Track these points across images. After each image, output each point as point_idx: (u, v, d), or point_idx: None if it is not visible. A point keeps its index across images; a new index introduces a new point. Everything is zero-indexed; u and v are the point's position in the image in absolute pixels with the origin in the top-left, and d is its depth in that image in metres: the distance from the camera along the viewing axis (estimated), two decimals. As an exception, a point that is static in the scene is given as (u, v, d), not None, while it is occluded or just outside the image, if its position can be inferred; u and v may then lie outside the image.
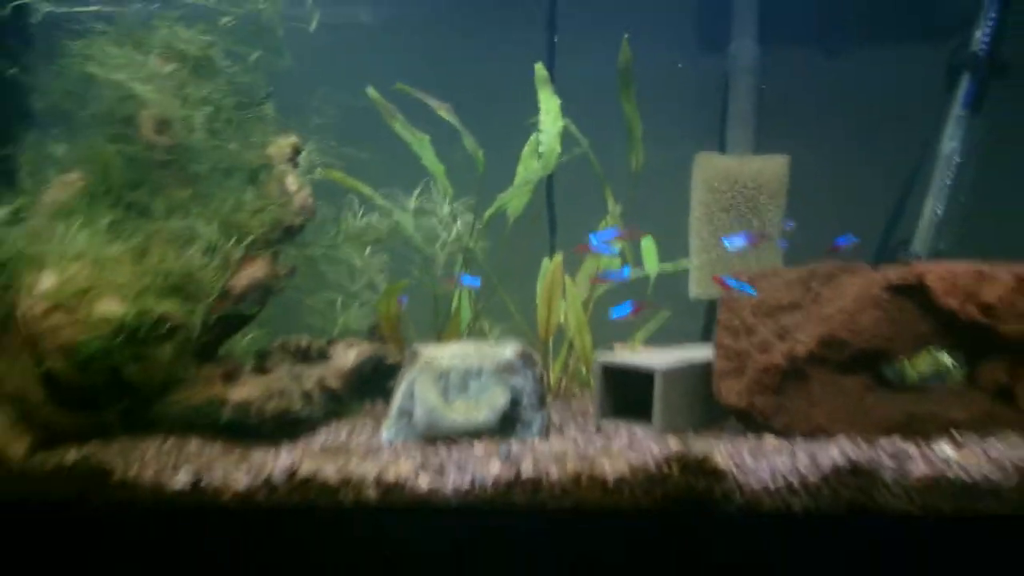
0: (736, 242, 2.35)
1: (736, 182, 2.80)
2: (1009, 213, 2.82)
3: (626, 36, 2.56)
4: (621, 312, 2.35)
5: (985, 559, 1.96)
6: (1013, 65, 2.74)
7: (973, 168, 2.76)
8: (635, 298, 2.68)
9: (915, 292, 2.26)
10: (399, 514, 1.98)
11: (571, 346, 2.69)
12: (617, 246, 2.66)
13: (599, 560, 2.01)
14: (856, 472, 1.99)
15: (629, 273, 2.67)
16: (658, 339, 2.82)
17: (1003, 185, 2.78)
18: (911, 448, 2.12)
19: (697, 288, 2.85)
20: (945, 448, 2.12)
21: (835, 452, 2.09)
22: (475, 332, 2.81)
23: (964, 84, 2.77)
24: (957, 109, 2.78)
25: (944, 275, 2.22)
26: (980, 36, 2.74)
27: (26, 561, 2.04)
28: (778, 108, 2.91)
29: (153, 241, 2.23)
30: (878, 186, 2.89)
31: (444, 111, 2.58)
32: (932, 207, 2.77)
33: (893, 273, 2.28)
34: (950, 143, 2.78)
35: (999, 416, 2.25)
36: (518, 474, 2.01)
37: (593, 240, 2.39)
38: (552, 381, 2.71)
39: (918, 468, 2.01)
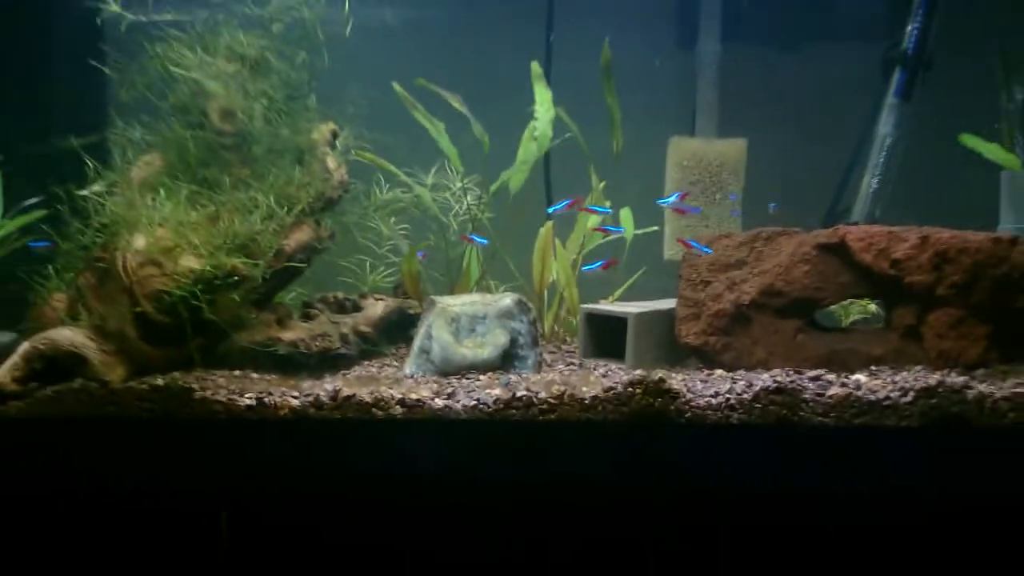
0: (669, 200, 2.80)
1: (702, 161, 3.22)
2: (932, 184, 3.23)
3: (607, 39, 2.98)
4: (592, 267, 2.82)
5: (884, 460, 2.40)
6: (937, 60, 3.16)
7: (903, 148, 3.18)
8: (617, 259, 3.15)
9: (838, 250, 2.69)
10: (419, 424, 2.45)
11: (562, 299, 3.14)
12: (608, 208, 3.11)
13: (578, 460, 2.47)
14: (781, 392, 2.44)
15: (623, 230, 3.11)
16: (639, 294, 3.25)
17: (927, 161, 3.20)
18: (831, 376, 2.58)
19: (669, 251, 3.28)
20: (858, 376, 2.57)
21: (767, 378, 2.55)
22: (483, 288, 3.26)
23: (896, 76, 3.15)
24: (890, 98, 3.15)
25: (861, 236, 2.65)
26: (909, 35, 3.13)
27: (121, 465, 2.51)
28: (740, 97, 3.33)
29: (222, 210, 2.67)
30: (826, 163, 3.28)
31: (456, 102, 3.01)
32: (869, 181, 3.18)
33: (821, 235, 2.70)
34: (884, 127, 3.16)
35: (908, 352, 2.67)
36: (514, 396, 2.48)
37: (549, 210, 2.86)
38: (546, 328, 3.16)
39: (833, 390, 2.47)
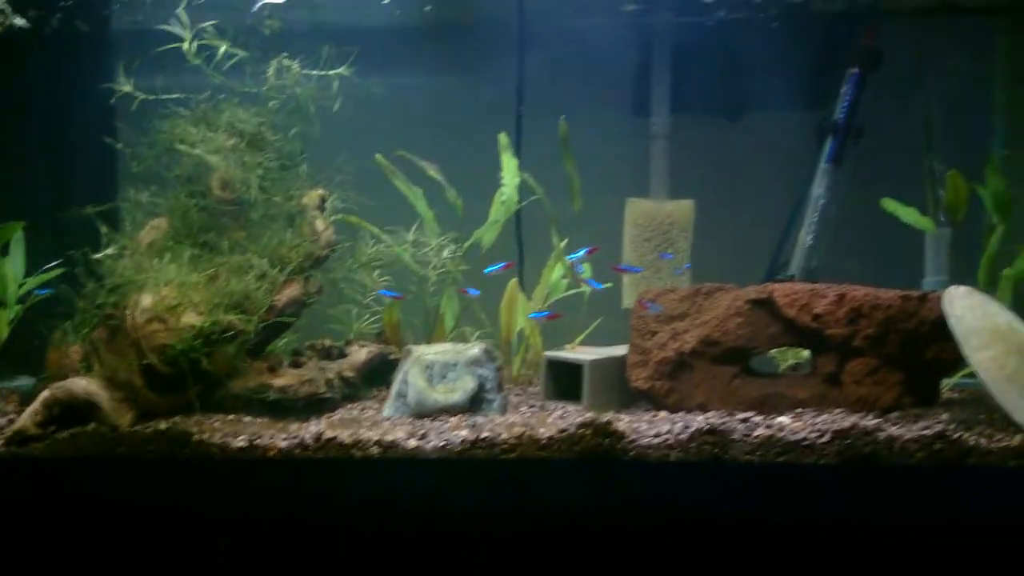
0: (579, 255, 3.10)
1: (655, 220, 3.46)
2: (859, 239, 3.46)
3: (562, 117, 3.25)
4: (492, 268, 3.11)
5: (801, 493, 2.61)
6: (865, 130, 3.39)
7: (835, 208, 3.41)
8: (578, 309, 3.39)
9: (768, 304, 2.90)
10: (394, 463, 2.67)
11: (528, 345, 3.37)
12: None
13: (535, 494, 2.68)
14: (713, 432, 2.65)
15: (599, 285, 3.35)
16: (601, 337, 3.47)
17: (855, 219, 3.44)
18: (758, 418, 2.79)
19: (627, 300, 3.51)
20: (782, 418, 2.79)
21: (702, 420, 2.76)
22: (459, 335, 3.49)
23: (828, 144, 3.38)
24: (823, 163, 3.38)
25: (787, 292, 2.87)
26: (840, 107, 3.36)
27: (130, 499, 2.71)
28: (690, 162, 3.58)
29: (220, 270, 2.90)
30: (767, 221, 3.54)
31: (432, 171, 3.26)
32: (804, 238, 3.41)
33: (753, 291, 2.93)
34: (818, 189, 3.38)
35: (830, 396, 2.88)
36: (479, 437, 2.70)
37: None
38: (514, 372, 3.39)
39: (759, 431, 2.68)
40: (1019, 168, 3.27)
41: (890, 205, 3.26)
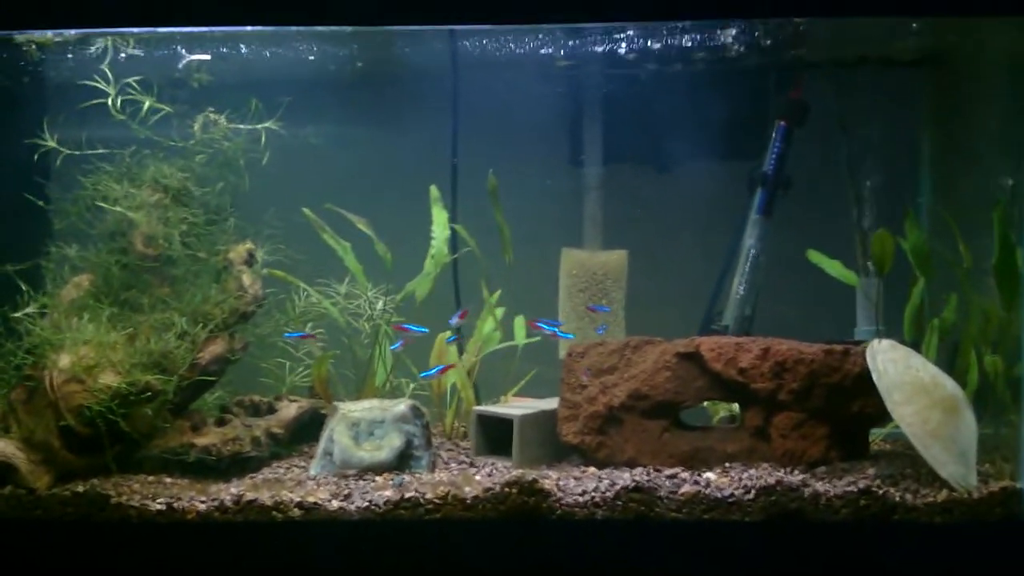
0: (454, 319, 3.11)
1: (588, 270, 3.44)
2: (795, 287, 3.48)
3: (491, 171, 3.23)
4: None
5: (727, 551, 2.57)
6: (793, 181, 3.41)
7: (765, 258, 3.40)
8: (514, 358, 3.36)
9: (695, 358, 2.89)
10: (316, 525, 2.60)
11: (460, 398, 3.32)
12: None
13: (460, 553, 2.63)
14: (639, 490, 2.61)
15: (559, 331, 3.32)
16: (538, 386, 3.43)
17: (791, 267, 3.44)
18: (685, 474, 2.75)
19: (563, 351, 3.47)
20: (708, 474, 2.75)
21: (628, 477, 2.72)
22: (393, 388, 3.44)
23: (758, 195, 3.38)
24: (753, 214, 3.39)
25: (713, 346, 2.85)
26: (769, 159, 3.37)
27: (45, 565, 2.64)
28: (624, 212, 3.57)
29: (141, 329, 2.84)
30: (701, 271, 3.53)
31: (362, 224, 3.22)
32: (737, 287, 3.40)
33: (680, 344, 2.91)
34: (749, 239, 3.38)
35: (758, 450, 2.86)
36: (403, 497, 2.63)
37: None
38: (447, 426, 3.34)
39: (685, 488, 2.64)
40: (944, 219, 3.29)
41: (815, 257, 3.27)
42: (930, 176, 3.45)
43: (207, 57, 3.09)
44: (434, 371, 3.20)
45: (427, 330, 3.21)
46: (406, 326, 3.13)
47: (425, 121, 3.57)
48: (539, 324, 3.07)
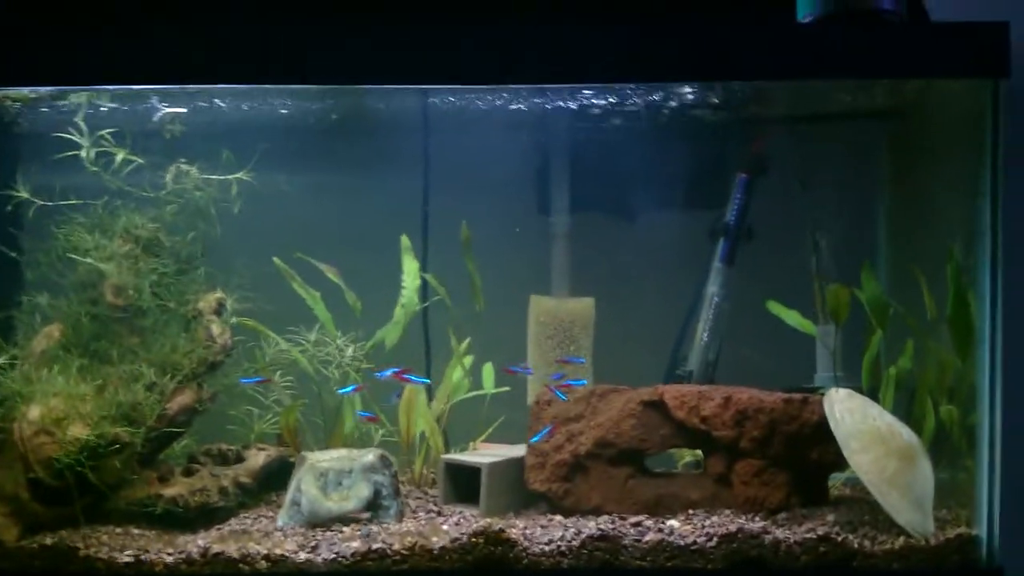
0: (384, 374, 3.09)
1: (556, 317, 3.49)
2: (759, 332, 3.54)
3: (464, 222, 3.30)
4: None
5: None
6: (754, 231, 3.48)
7: (728, 305, 3.46)
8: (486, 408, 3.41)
9: (659, 406, 2.94)
10: (283, 578, 2.62)
11: (429, 446, 3.35)
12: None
13: (426, 607, 2.65)
14: (604, 539, 2.65)
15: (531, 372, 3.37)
16: (511, 434, 3.46)
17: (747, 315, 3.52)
18: (649, 522, 2.79)
19: (532, 398, 3.52)
20: (672, 521, 2.79)
21: (593, 525, 2.75)
22: (363, 435, 3.46)
23: (720, 244, 3.45)
24: (716, 263, 3.45)
25: (676, 395, 2.91)
26: (731, 210, 3.45)
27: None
28: (591, 261, 3.63)
29: (110, 380, 2.85)
30: (666, 318, 3.59)
31: (331, 273, 3.26)
32: (701, 334, 3.47)
33: (645, 392, 2.96)
34: (712, 287, 3.44)
35: (721, 496, 2.90)
36: (370, 548, 2.65)
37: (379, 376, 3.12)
38: (416, 474, 3.36)
39: (649, 536, 2.68)
40: (902, 269, 3.37)
41: (774, 307, 3.33)
42: (888, 229, 3.54)
43: (182, 110, 3.13)
44: (351, 388, 3.19)
45: (429, 381, 3.26)
46: (409, 376, 3.17)
47: (396, 172, 3.62)
48: (513, 369, 3.11)
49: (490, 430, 3.38)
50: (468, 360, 3.40)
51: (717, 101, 3.27)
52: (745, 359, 3.52)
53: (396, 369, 3.05)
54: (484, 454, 3.14)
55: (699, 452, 3.16)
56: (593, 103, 3.27)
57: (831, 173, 3.50)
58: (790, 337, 3.45)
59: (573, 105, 3.27)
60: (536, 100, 3.21)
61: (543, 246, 3.61)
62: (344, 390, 3.22)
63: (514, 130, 3.54)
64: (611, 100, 3.23)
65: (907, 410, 3.05)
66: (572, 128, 3.50)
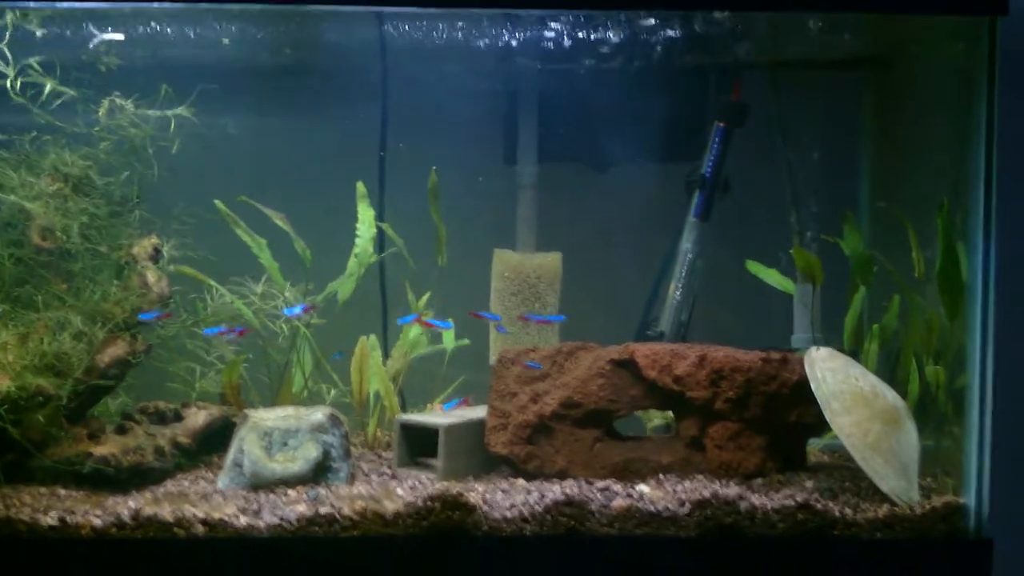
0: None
1: (521, 273, 3.32)
2: (731, 292, 3.41)
3: (433, 168, 3.10)
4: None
5: (661, 568, 2.47)
6: (731, 184, 3.33)
7: (702, 263, 3.32)
8: (445, 368, 3.24)
9: (629, 365, 2.78)
10: (221, 543, 2.42)
11: (383, 406, 3.17)
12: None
13: (378, 573, 2.47)
14: (570, 504, 2.50)
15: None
16: (471, 393, 3.29)
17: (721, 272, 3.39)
18: (618, 487, 2.64)
19: (494, 356, 3.35)
20: (642, 486, 2.65)
21: (557, 490, 2.60)
22: (313, 395, 3.27)
23: (695, 198, 3.31)
24: (691, 217, 3.31)
25: (647, 353, 2.75)
26: (707, 161, 3.30)
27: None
28: (558, 214, 3.46)
29: (34, 328, 2.65)
30: (637, 276, 3.43)
31: (279, 219, 3.05)
32: (673, 293, 3.32)
33: (614, 351, 2.80)
34: (686, 243, 3.30)
35: (693, 461, 2.76)
36: (317, 512, 2.48)
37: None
38: (369, 435, 3.18)
39: (618, 501, 2.54)
40: (886, 223, 3.24)
41: (753, 267, 3.19)
42: (870, 180, 3.41)
43: (120, 37, 2.90)
44: (216, 330, 2.99)
45: (452, 325, 3.13)
46: (432, 321, 3.06)
47: (351, 113, 3.41)
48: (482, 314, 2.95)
49: (449, 390, 3.21)
50: (427, 315, 3.21)
51: (695, 42, 3.11)
52: (718, 320, 3.39)
53: (415, 316, 2.95)
54: (442, 415, 2.97)
55: (670, 414, 3.01)
56: (563, 42, 3.10)
57: (812, 123, 3.36)
58: (764, 297, 3.32)
59: (542, 43, 3.09)
60: (501, 34, 3.03)
61: (508, 197, 3.43)
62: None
63: (477, 71, 3.35)
64: (582, 38, 3.06)
65: (891, 372, 2.93)
66: (540, 70, 3.32)
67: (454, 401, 3.17)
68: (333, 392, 3.27)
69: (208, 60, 3.14)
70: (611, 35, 3.10)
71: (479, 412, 2.96)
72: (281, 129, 3.41)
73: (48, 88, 2.87)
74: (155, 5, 2.63)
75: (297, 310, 2.98)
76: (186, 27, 2.94)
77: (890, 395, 2.63)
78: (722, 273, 3.34)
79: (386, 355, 3.25)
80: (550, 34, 3.10)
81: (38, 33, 2.85)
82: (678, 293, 3.29)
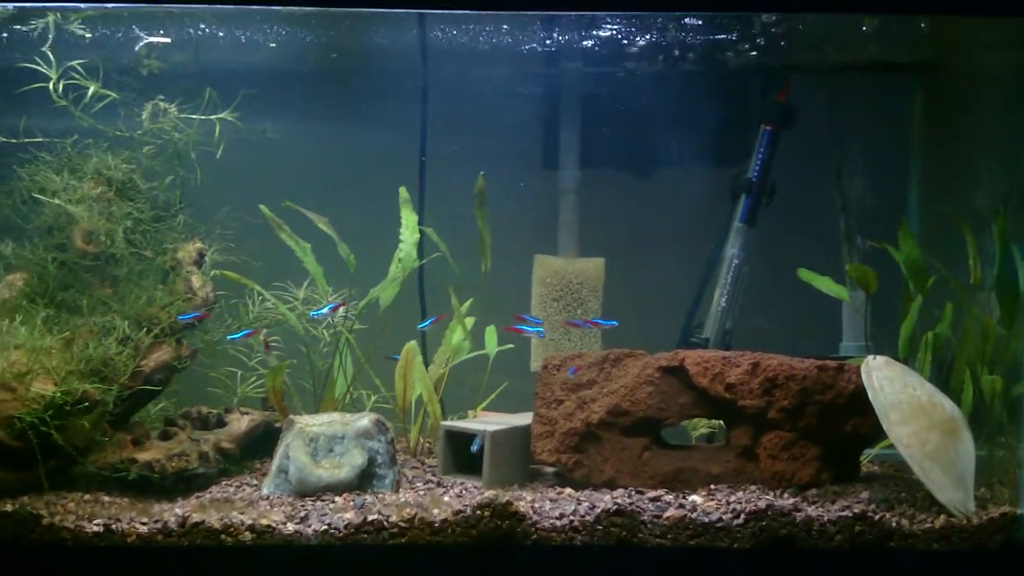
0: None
1: (564, 278, 3.29)
2: (777, 299, 3.35)
3: (481, 172, 3.07)
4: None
5: (716, 580, 2.44)
6: (778, 189, 3.28)
7: (748, 268, 3.27)
8: (488, 374, 3.20)
9: (679, 372, 2.74)
10: (269, 551, 2.39)
11: (426, 412, 3.13)
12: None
13: (427, 583, 2.45)
14: (621, 513, 2.45)
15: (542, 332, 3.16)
16: (510, 403, 3.25)
17: (767, 279, 3.33)
18: (669, 497, 2.59)
19: (535, 363, 3.31)
20: (694, 497, 2.60)
21: (608, 499, 2.56)
22: (355, 401, 3.24)
23: (741, 202, 3.26)
24: (736, 222, 3.27)
25: (698, 360, 2.71)
26: (753, 165, 3.25)
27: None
28: (600, 219, 3.42)
29: (79, 333, 2.63)
30: (681, 282, 3.39)
31: (323, 224, 3.03)
32: (718, 299, 3.27)
33: (663, 358, 2.76)
34: (731, 248, 3.27)
35: (745, 471, 2.72)
36: (365, 520, 2.44)
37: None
38: (412, 442, 3.15)
39: (670, 512, 2.49)
40: (935, 230, 3.19)
41: (805, 275, 3.13)
42: (919, 186, 3.35)
43: (166, 40, 2.88)
44: (242, 334, 2.97)
45: (543, 331, 3.11)
46: (520, 326, 3.03)
47: (393, 117, 3.38)
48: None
49: (492, 396, 3.17)
50: (470, 321, 3.18)
51: (741, 45, 3.07)
52: (756, 327, 3.33)
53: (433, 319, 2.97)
54: (486, 422, 2.93)
55: (716, 424, 2.97)
56: (607, 46, 3.06)
57: (862, 127, 3.30)
58: (807, 304, 3.27)
59: (585, 45, 3.06)
60: (547, 40, 3.00)
61: (549, 201, 3.39)
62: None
63: (518, 74, 3.32)
64: (626, 42, 3.03)
65: (944, 381, 2.87)
66: (584, 74, 3.28)
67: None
68: (373, 398, 3.25)
69: (253, 64, 3.13)
70: (656, 36, 3.06)
71: (523, 419, 2.92)
72: (323, 133, 3.38)
73: (91, 91, 2.86)
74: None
75: (324, 310, 2.96)
76: (228, 27, 2.92)
77: (947, 404, 2.58)
78: (763, 279, 3.29)
79: (425, 361, 3.23)
80: (594, 37, 3.07)
81: (81, 34, 2.85)
82: (723, 299, 3.25)
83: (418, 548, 2.41)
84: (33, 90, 2.84)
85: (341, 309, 3.03)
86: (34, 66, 2.82)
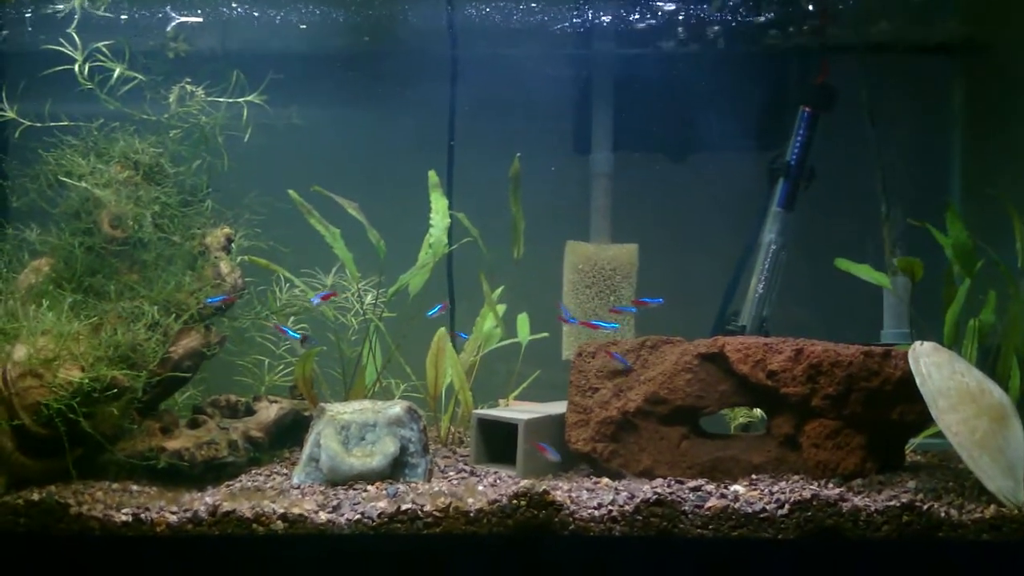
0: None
1: (596, 264, 3.22)
2: (813, 286, 3.27)
3: (518, 155, 3.00)
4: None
5: (760, 571, 2.36)
6: (817, 172, 3.20)
7: (786, 254, 3.20)
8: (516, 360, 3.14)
9: (718, 359, 2.67)
10: (301, 540, 2.35)
11: (457, 401, 3.08)
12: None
13: (462, 571, 2.38)
14: (661, 504, 2.39)
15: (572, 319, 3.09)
16: (540, 393, 3.20)
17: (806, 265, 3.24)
18: (710, 487, 2.53)
19: (567, 351, 3.25)
20: (736, 486, 2.54)
21: (648, 489, 2.50)
22: (383, 389, 3.19)
23: (779, 187, 3.20)
24: (774, 207, 3.21)
25: (739, 347, 2.63)
26: (791, 148, 3.19)
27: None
28: (633, 204, 3.35)
29: (106, 318, 2.58)
30: (715, 268, 3.32)
31: (352, 209, 2.97)
32: (755, 285, 3.20)
33: (702, 344, 2.69)
34: (769, 234, 3.20)
35: (788, 460, 2.64)
36: (399, 509, 2.39)
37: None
38: (442, 431, 3.10)
39: (712, 502, 2.42)
40: (977, 214, 3.10)
41: (843, 265, 3.04)
42: (961, 169, 3.27)
43: (197, 19, 2.83)
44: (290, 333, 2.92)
45: (618, 326, 3.06)
46: (619, 307, 3.03)
47: (422, 101, 3.32)
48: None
49: (524, 385, 3.11)
50: (501, 308, 3.12)
51: (778, 26, 2.99)
52: (795, 315, 3.26)
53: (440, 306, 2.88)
54: (519, 410, 2.88)
55: (754, 412, 2.90)
56: (640, 26, 2.99)
57: (903, 109, 3.22)
58: (846, 291, 3.19)
59: (617, 26, 2.99)
60: (577, 19, 2.93)
61: (581, 186, 3.32)
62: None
63: (550, 56, 3.25)
64: (661, 23, 2.96)
65: (990, 368, 2.79)
66: (616, 55, 3.21)
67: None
68: (403, 386, 3.20)
69: (280, 47, 3.08)
70: (691, 16, 2.99)
71: (557, 408, 2.86)
72: (353, 118, 3.33)
73: (116, 73, 2.81)
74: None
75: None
76: (257, 6, 2.87)
77: (996, 391, 2.50)
78: (799, 265, 3.22)
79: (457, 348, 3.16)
80: (627, 16, 3.00)
81: (105, 16, 2.81)
82: (760, 286, 3.18)
83: (453, 538, 2.35)
84: (59, 73, 2.80)
85: (369, 296, 2.98)
86: (59, 48, 2.78)
